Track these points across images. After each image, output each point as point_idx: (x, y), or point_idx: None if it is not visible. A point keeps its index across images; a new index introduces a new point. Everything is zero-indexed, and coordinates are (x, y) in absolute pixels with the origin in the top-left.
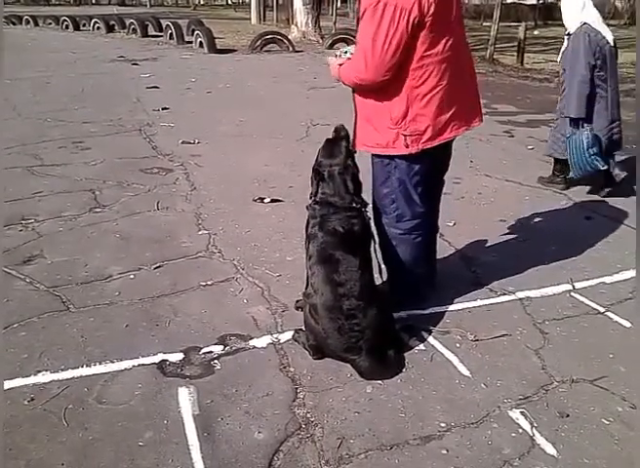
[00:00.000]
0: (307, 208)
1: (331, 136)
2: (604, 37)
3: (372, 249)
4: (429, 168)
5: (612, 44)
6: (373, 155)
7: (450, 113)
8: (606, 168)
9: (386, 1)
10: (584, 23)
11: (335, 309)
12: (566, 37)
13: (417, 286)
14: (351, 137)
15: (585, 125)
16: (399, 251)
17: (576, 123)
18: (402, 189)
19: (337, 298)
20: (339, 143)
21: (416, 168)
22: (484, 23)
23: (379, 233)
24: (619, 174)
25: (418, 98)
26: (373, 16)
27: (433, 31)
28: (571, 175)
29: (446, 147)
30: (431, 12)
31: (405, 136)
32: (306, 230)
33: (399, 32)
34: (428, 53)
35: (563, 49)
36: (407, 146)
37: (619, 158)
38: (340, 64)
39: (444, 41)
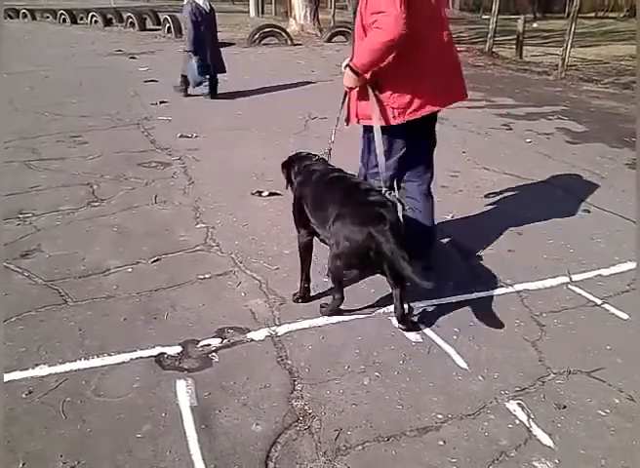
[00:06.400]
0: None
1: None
2: (202, 6)
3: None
4: (410, 137)
5: (207, 11)
6: (364, 127)
7: (433, 88)
8: (204, 80)
9: None
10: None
11: (358, 204)
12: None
13: None
14: (344, 114)
15: (196, 55)
16: None
17: (191, 54)
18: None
19: (359, 193)
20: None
21: (399, 136)
22: (483, 16)
23: None
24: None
25: (404, 74)
26: None
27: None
28: (191, 86)
29: (430, 118)
30: None
31: (393, 108)
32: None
33: None
34: (417, 36)
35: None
36: (394, 118)
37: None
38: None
39: (425, 21)
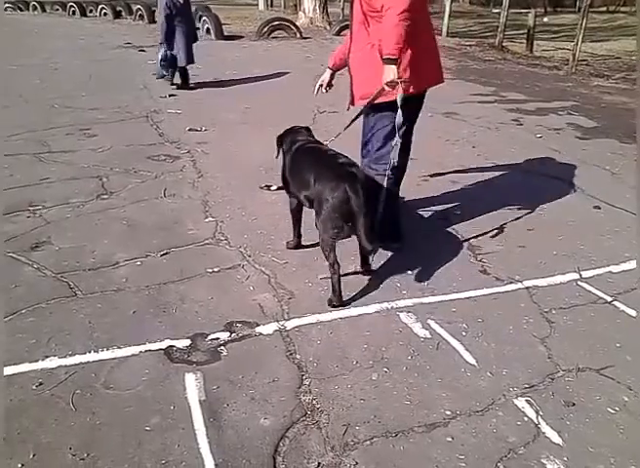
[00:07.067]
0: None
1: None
2: None
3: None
4: (411, 114)
5: (181, 2)
6: (365, 111)
7: (433, 64)
8: (166, 74)
9: None
10: None
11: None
12: None
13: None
14: (349, 99)
15: (164, 46)
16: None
17: (161, 44)
18: (387, 134)
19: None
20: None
21: (410, 111)
22: (493, 10)
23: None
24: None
25: (411, 53)
26: None
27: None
28: (156, 75)
29: (422, 97)
30: None
31: (406, 80)
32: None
33: None
34: (418, 20)
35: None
36: (410, 87)
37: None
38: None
39: (420, 15)
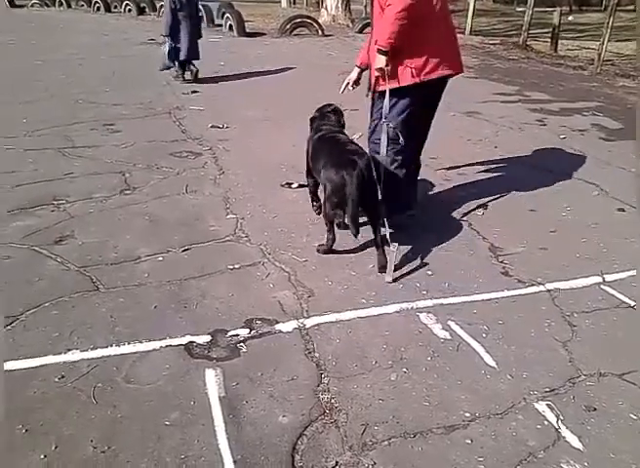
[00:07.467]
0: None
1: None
2: None
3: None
4: (423, 100)
5: None
6: (377, 94)
7: (443, 57)
8: (172, 65)
9: None
10: None
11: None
12: None
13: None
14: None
15: (169, 39)
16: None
17: (166, 38)
18: (400, 119)
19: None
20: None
21: (413, 99)
22: (517, 9)
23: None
24: (192, 70)
25: (420, 44)
26: None
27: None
28: (159, 67)
29: (440, 85)
30: None
31: (411, 68)
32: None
33: None
34: (426, 16)
35: None
36: (413, 77)
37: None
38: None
39: (434, 8)
